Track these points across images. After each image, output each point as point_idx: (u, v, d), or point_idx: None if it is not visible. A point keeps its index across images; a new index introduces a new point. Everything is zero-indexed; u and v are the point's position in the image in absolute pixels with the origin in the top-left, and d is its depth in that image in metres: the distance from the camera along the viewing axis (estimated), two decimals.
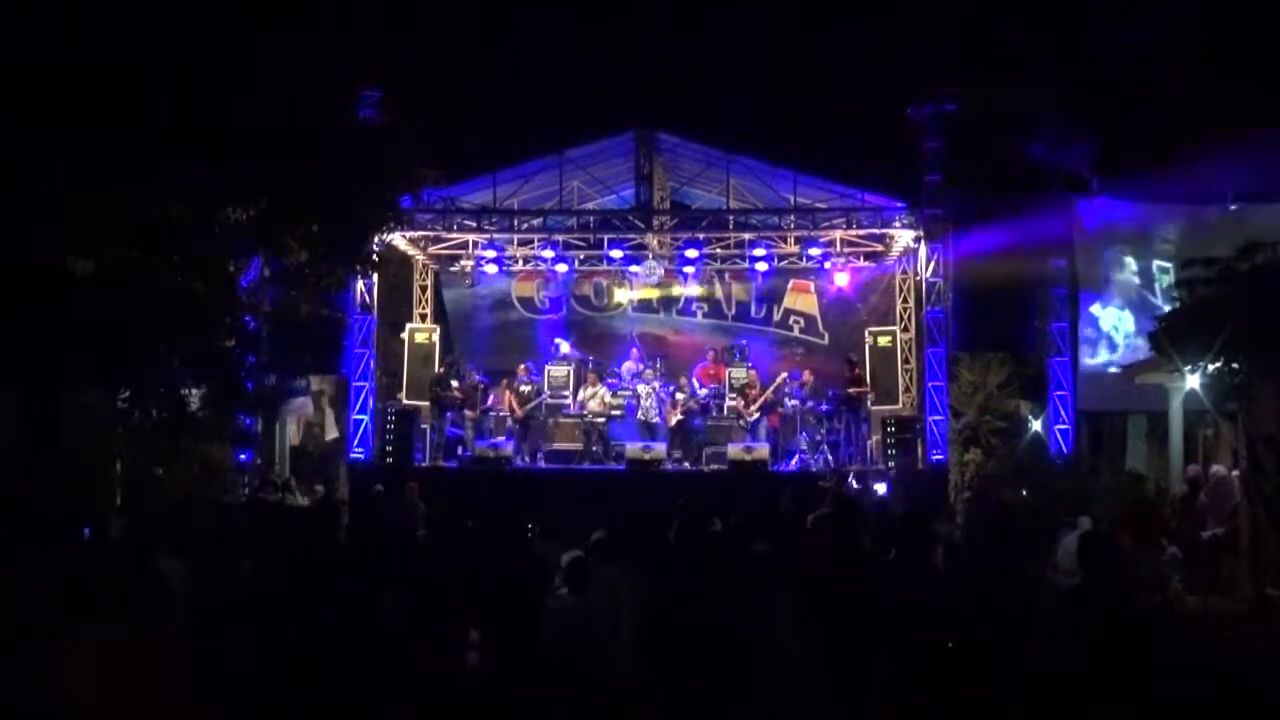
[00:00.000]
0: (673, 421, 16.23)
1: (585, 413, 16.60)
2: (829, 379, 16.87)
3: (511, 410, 16.50)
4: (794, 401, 16.33)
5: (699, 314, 19.03)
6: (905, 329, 17.56)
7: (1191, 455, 16.03)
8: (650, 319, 18.95)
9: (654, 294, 18.85)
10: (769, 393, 16.21)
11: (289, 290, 12.89)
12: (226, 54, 9.55)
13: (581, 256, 18.21)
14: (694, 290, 18.77)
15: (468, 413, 16.66)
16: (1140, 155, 16.68)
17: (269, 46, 9.86)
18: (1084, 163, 17.03)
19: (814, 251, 16.93)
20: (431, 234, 17.23)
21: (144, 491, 11.90)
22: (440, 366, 17.17)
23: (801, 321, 18.82)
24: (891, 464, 15.25)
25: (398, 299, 18.59)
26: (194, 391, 12.17)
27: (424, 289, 18.79)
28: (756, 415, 16.05)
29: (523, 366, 16.97)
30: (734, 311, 18.91)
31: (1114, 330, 16.78)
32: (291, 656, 4.67)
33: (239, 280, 12.10)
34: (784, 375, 16.63)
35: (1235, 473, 12.75)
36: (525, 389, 16.55)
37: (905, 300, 17.70)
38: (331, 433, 18.02)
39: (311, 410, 17.98)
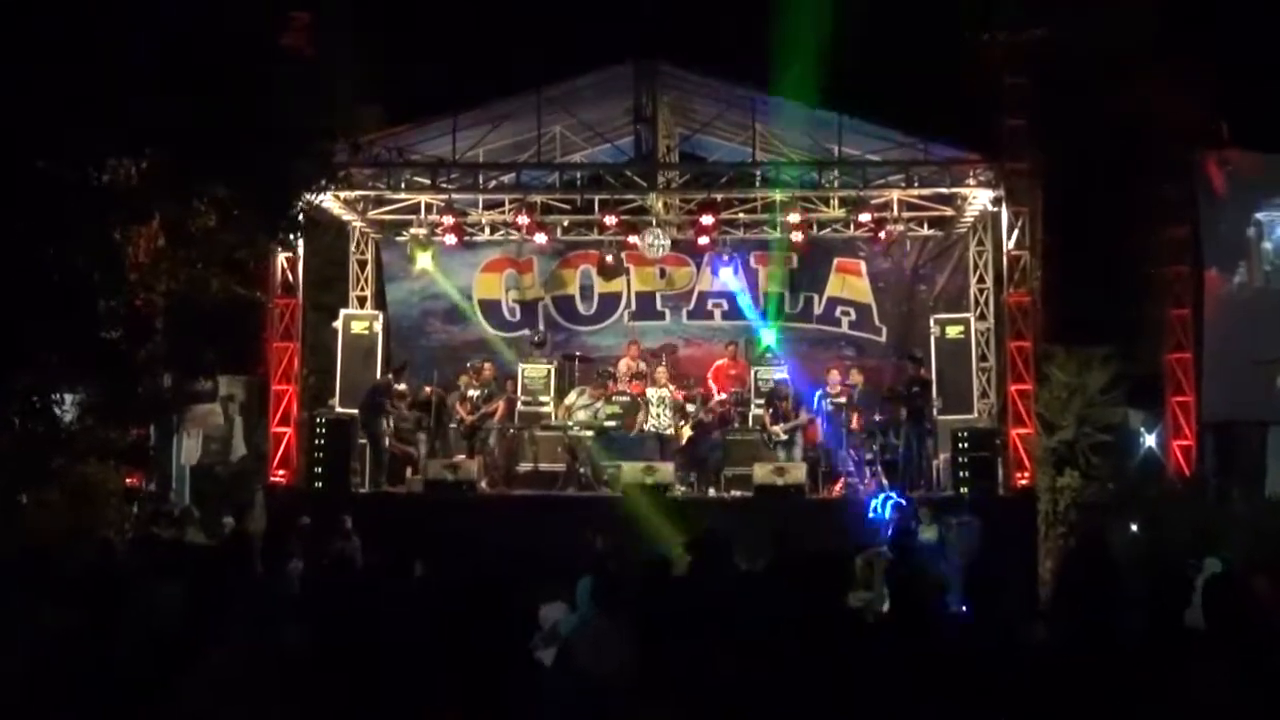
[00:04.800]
0: (682, 439, 16.22)
1: (570, 424, 16.62)
2: (888, 383, 16.87)
3: (460, 420, 16.56)
4: (836, 403, 16.24)
5: (716, 314, 18.86)
6: (981, 316, 17.56)
7: None
8: (652, 327, 18.85)
9: (659, 286, 18.79)
10: (804, 415, 16.09)
11: (192, 265, 12.91)
12: None
13: (565, 224, 18.19)
14: (709, 281, 18.62)
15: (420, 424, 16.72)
16: None
17: None
18: (1212, 104, 17.02)
19: (865, 218, 16.93)
20: (373, 194, 17.24)
21: (3, 524, 11.91)
22: (382, 361, 17.25)
23: (851, 313, 18.71)
24: (964, 489, 15.26)
25: (330, 277, 18.59)
26: (69, 396, 12.18)
27: (363, 264, 18.82)
28: (785, 436, 15.98)
29: (474, 365, 17.02)
30: (763, 306, 18.84)
31: None
32: None
33: (128, 253, 12.11)
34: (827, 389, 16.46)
35: None
36: (474, 394, 16.61)
37: (981, 280, 17.71)
38: (243, 449, 18.03)
39: (219, 420, 18.00)
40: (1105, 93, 16.94)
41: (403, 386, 16.71)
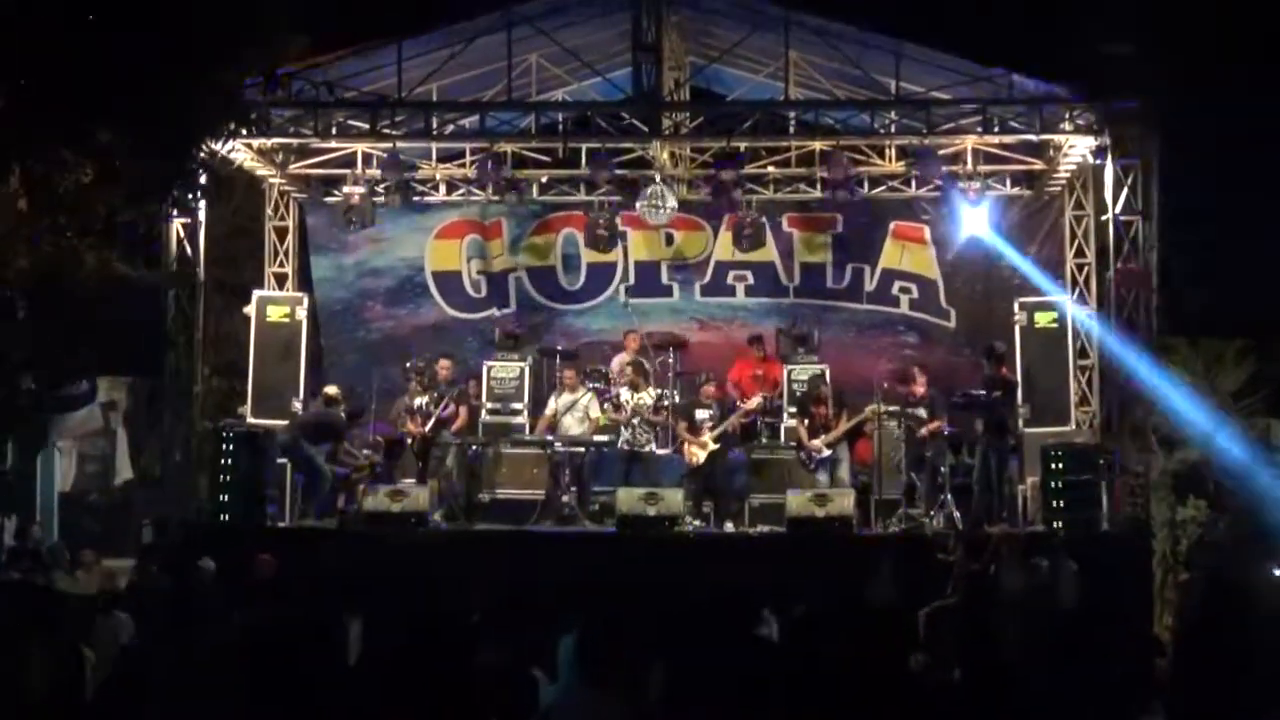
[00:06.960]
0: (698, 458, 16.18)
1: (551, 438, 16.62)
2: (960, 384, 16.85)
3: (410, 434, 16.60)
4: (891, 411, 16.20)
5: (739, 289, 18.92)
6: (1080, 299, 17.55)
7: None
8: (657, 307, 18.86)
9: (664, 254, 18.75)
10: (845, 421, 16.06)
11: (61, 234, 12.90)
12: None
13: (543, 179, 18.18)
14: (728, 248, 18.57)
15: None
16: None
17: None
18: None
19: (930, 172, 16.93)
20: (296, 141, 17.24)
21: None
22: (306, 359, 17.28)
23: (913, 290, 18.73)
24: (1058, 523, 15.26)
25: (239, 250, 18.59)
26: None
27: (282, 233, 18.82)
28: (827, 452, 15.95)
29: (415, 365, 17.02)
30: (798, 280, 18.84)
31: None
32: None
33: None
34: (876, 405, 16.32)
35: None
36: (422, 401, 16.62)
37: (1080, 253, 17.72)
38: (129, 471, 18.03)
39: (99, 434, 18.02)
40: (1241, 7, 16.92)
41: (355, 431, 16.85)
